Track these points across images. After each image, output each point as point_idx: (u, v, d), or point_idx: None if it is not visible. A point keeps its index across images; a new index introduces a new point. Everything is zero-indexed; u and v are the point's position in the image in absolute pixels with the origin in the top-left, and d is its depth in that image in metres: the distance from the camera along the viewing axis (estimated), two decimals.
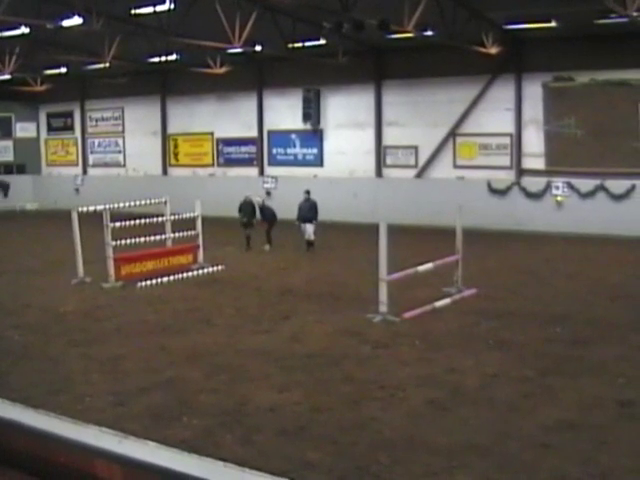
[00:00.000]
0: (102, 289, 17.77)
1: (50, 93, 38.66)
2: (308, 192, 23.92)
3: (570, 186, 27.22)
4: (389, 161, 31.52)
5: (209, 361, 11.63)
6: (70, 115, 41.41)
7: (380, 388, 10.20)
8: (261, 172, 34.77)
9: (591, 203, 26.73)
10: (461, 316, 14.47)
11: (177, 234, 20.58)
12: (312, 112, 32.36)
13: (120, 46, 27.29)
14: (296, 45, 27.54)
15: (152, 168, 37.86)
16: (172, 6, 23.74)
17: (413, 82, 30.17)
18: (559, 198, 27.48)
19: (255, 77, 33.88)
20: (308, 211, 23.29)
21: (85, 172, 40.76)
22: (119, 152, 39.57)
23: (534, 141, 28.04)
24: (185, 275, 19.16)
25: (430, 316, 14.41)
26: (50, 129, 42.54)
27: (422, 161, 30.64)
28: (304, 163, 33.48)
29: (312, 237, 23.35)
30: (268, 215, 23.91)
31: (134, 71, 34.72)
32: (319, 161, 33.15)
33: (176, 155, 37.52)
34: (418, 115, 30.32)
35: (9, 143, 41.71)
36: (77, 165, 40.93)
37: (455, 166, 29.97)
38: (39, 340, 13.08)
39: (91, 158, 40.59)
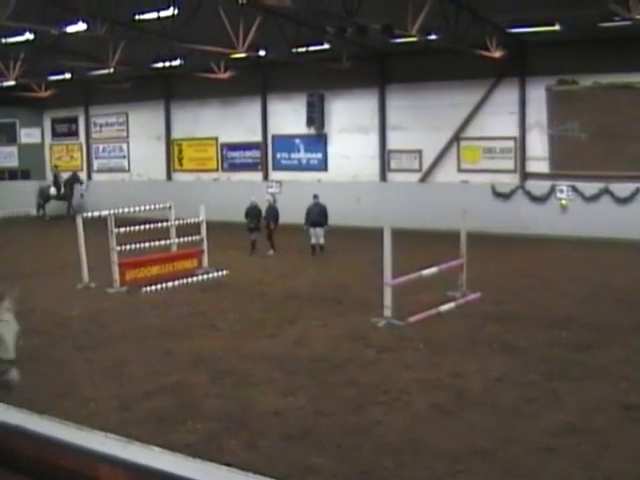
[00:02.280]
0: (107, 294, 17.80)
1: (54, 99, 38.71)
2: (317, 196, 23.93)
3: (574, 189, 27.18)
4: (393, 165, 31.51)
5: (213, 366, 11.65)
6: (74, 121, 41.44)
7: (384, 392, 10.21)
8: (265, 177, 34.76)
9: (595, 206, 26.68)
10: (465, 320, 14.48)
11: (182, 239, 20.62)
12: (316, 116, 32.36)
13: (124, 51, 27.34)
14: (300, 50, 27.55)
15: (156, 173, 37.88)
16: (176, 11, 23.76)
17: (417, 86, 30.16)
18: (563, 202, 27.44)
19: (259, 82, 33.90)
20: (318, 215, 23.29)
21: (90, 177, 40.76)
22: (123, 157, 39.59)
23: (538, 145, 28.00)
24: (190, 280, 19.18)
25: (434, 320, 14.41)
26: (54, 135, 42.56)
27: (426, 165, 30.62)
28: (308, 167, 33.47)
29: (322, 241, 23.34)
30: (272, 215, 23.89)
31: (138, 76, 34.72)
32: (323, 165, 33.14)
33: (180, 160, 37.54)
34: (422, 119, 30.31)
35: (14, 149, 41.70)
36: (81, 170, 40.91)
37: (459, 170, 29.95)
38: (44, 344, 13.10)
39: (95, 163, 40.59)
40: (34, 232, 31.99)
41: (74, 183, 38.03)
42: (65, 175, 38.41)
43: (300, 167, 33.70)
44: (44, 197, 37.85)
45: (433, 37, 24.53)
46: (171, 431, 8.75)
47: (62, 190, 37.91)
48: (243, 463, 7.45)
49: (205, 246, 20.65)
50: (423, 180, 30.77)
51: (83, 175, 40.34)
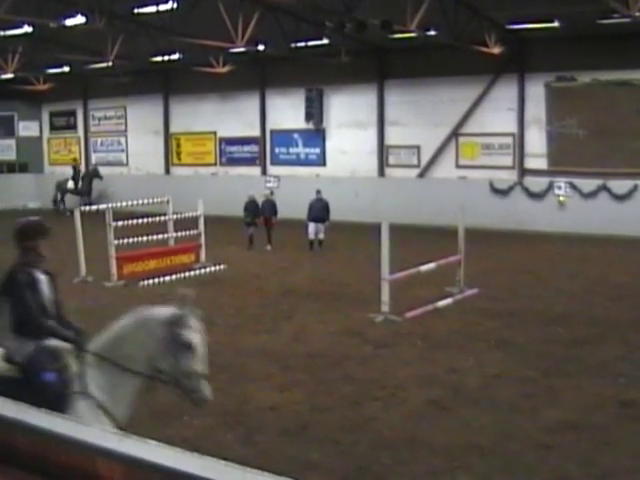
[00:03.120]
0: (104, 288, 17.78)
1: (53, 92, 38.66)
2: (319, 191, 23.96)
3: (572, 186, 27.19)
4: (391, 161, 31.51)
5: (210, 360, 11.58)
6: (73, 114, 41.39)
7: (381, 388, 10.21)
8: (263, 171, 34.75)
9: (593, 203, 26.69)
10: (463, 316, 14.48)
11: (179, 233, 20.60)
12: (315, 111, 32.34)
13: (123, 45, 27.29)
14: (299, 45, 27.52)
15: (154, 167, 37.86)
16: (175, 5, 23.74)
17: (416, 82, 30.14)
18: (561, 198, 27.45)
19: (258, 76, 33.87)
20: (320, 210, 23.35)
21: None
22: (122, 151, 39.56)
23: (536, 141, 28.01)
24: (187, 274, 19.17)
25: (432, 316, 14.41)
26: (53, 128, 42.51)
27: (424, 161, 30.62)
28: (306, 162, 33.47)
29: (322, 236, 23.39)
30: (268, 209, 23.90)
31: (137, 70, 34.69)
32: (321, 160, 33.14)
33: (178, 154, 37.52)
34: (420, 115, 30.30)
35: (12, 142, 41.67)
36: (80, 164, 40.86)
37: (457, 166, 29.95)
38: None
39: (94, 157, 40.50)
40: None
41: (93, 178, 37.65)
42: (84, 169, 38.13)
43: (298, 162, 33.70)
44: (62, 191, 37.58)
45: (432, 33, 24.52)
46: (167, 426, 8.74)
47: (80, 184, 37.65)
48: (240, 458, 7.43)
49: (203, 240, 20.64)
50: (421, 176, 30.78)
51: (81, 168, 40.12)
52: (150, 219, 19.84)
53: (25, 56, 30.36)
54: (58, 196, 37.40)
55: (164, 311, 6.06)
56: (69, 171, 38.71)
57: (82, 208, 20.45)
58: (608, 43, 25.00)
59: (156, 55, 30.75)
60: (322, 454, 7.99)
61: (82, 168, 38.35)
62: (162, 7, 24.17)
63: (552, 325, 13.68)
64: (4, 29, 26.50)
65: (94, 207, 20.98)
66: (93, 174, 37.56)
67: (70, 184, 37.49)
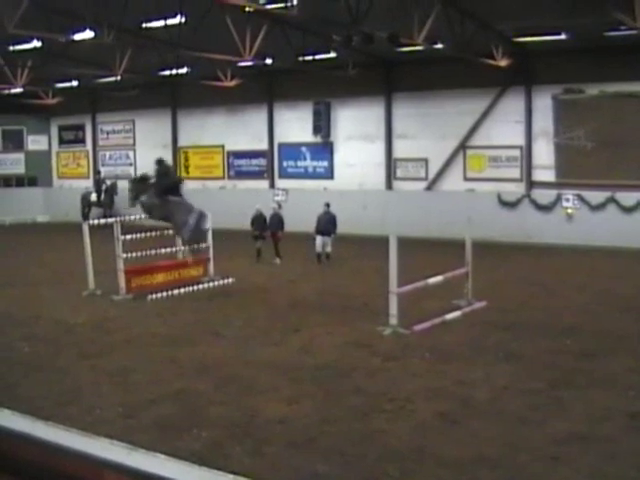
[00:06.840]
0: (112, 301, 17.81)
1: (61, 106, 38.81)
2: (328, 205, 24.02)
3: (580, 198, 27.16)
4: (399, 173, 31.53)
5: (219, 373, 11.63)
6: (81, 128, 41.58)
7: (389, 400, 10.19)
8: (271, 185, 34.81)
9: (601, 215, 26.66)
10: (471, 328, 14.45)
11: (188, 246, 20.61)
12: (322, 125, 32.41)
13: (131, 59, 27.42)
14: (306, 58, 27.62)
15: None
16: (183, 19, 23.83)
17: (423, 95, 30.19)
18: (569, 210, 27.41)
19: (265, 90, 33.98)
20: (327, 223, 23.40)
21: None
22: (130, 165, 39.66)
23: (544, 153, 28.00)
24: (195, 287, 19.18)
25: (440, 328, 14.39)
26: (61, 142, 42.71)
27: (432, 173, 30.63)
28: (314, 176, 33.52)
29: (329, 249, 23.43)
30: (275, 223, 23.89)
31: (145, 84, 34.82)
32: (329, 173, 33.19)
33: (187, 168, 37.59)
34: (428, 127, 30.34)
35: (21, 156, 41.88)
36: (88, 177, 41.03)
37: (465, 178, 29.96)
38: (49, 352, 13.12)
39: (102, 171, 40.65)
40: (41, 239, 32.03)
41: (114, 192, 37.54)
42: (109, 182, 37.92)
43: (306, 175, 33.76)
44: (85, 204, 37.51)
45: (439, 45, 24.57)
46: (176, 438, 8.74)
47: (102, 197, 37.54)
48: (248, 470, 7.45)
49: (211, 254, 20.65)
50: (429, 188, 30.78)
51: (89, 182, 40.27)
52: (158, 232, 19.87)
53: (34, 70, 30.51)
54: (85, 209, 37.24)
55: None
56: (76, 184, 38.79)
57: (91, 221, 20.49)
58: (615, 55, 25.02)
59: (164, 69, 30.87)
60: (330, 466, 7.97)
61: (107, 181, 38.05)
62: (170, 21, 24.26)
63: (560, 337, 13.64)
64: (13, 44, 26.65)
65: (102, 220, 21.03)
66: (113, 189, 37.43)
67: (93, 197, 37.48)
